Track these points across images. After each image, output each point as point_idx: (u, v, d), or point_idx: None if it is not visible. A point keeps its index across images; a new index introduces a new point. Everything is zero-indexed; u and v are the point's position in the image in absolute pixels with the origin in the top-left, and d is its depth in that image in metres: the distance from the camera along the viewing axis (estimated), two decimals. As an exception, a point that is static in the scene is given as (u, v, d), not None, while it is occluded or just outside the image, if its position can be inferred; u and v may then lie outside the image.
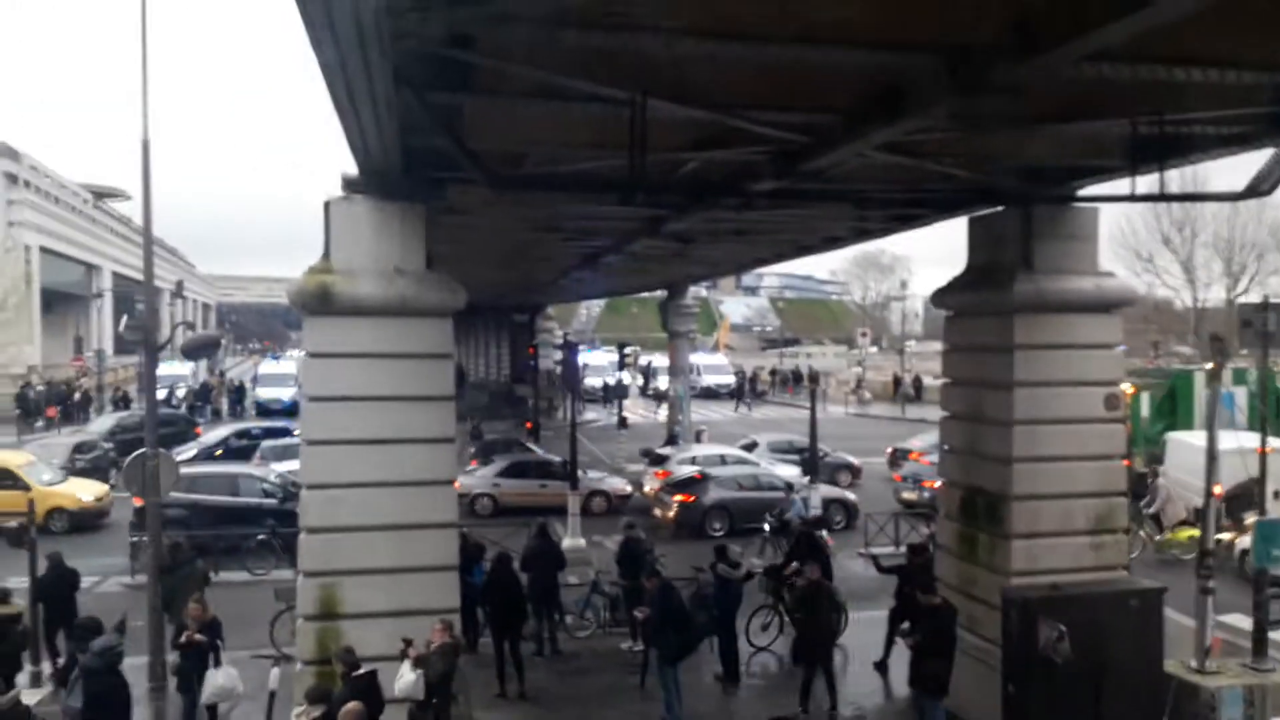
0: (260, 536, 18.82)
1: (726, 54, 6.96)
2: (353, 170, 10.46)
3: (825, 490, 22.70)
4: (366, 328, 10.32)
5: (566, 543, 19.52)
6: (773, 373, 66.18)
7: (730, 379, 61.48)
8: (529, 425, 34.64)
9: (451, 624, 10.04)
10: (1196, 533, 16.02)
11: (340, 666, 9.28)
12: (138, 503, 15.62)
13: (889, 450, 31.20)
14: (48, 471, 23.67)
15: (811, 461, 22.09)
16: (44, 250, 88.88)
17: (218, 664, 10.90)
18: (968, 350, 12.82)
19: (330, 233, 10.41)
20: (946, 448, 13.38)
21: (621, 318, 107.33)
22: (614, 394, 35.58)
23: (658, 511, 23.43)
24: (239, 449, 28.52)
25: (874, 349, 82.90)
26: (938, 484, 15.75)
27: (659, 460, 26.54)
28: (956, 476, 12.79)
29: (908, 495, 24.41)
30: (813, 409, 23.09)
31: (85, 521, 22.42)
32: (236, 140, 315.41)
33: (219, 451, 28.51)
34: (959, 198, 12.26)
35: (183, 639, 11.11)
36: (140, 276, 14.65)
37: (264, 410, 44.70)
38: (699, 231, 15.96)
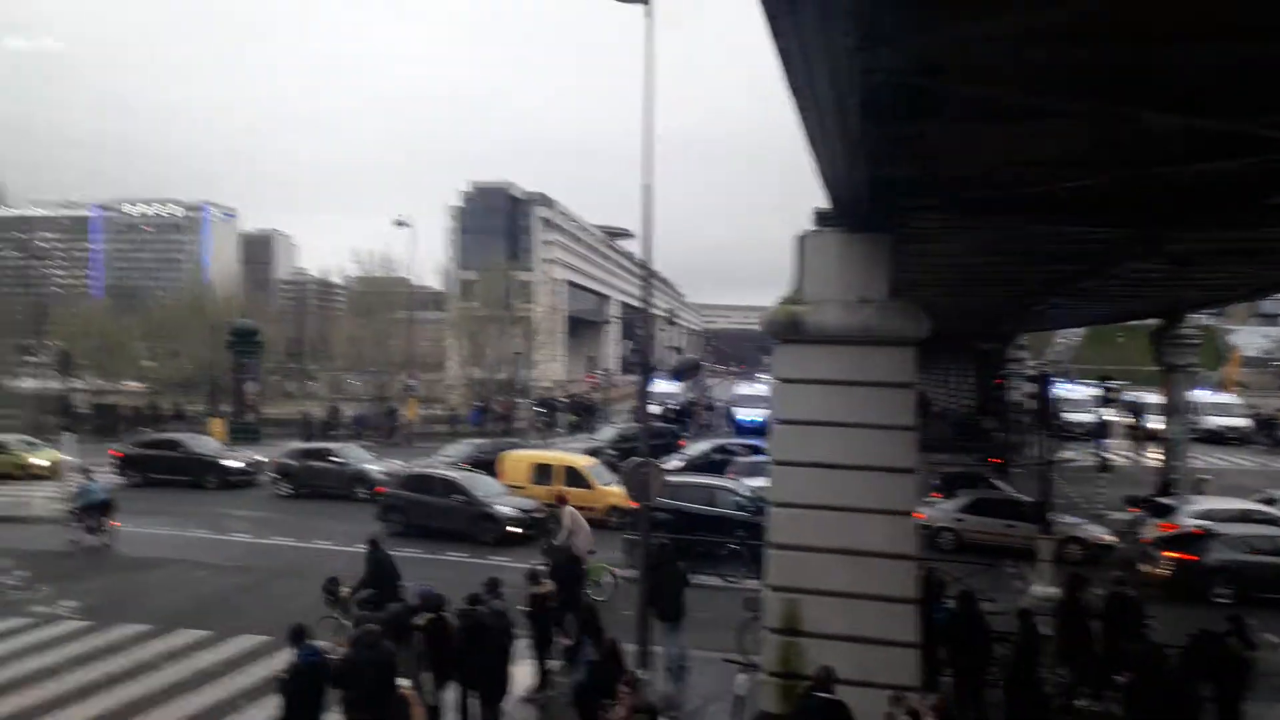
0: (733, 545, 20.10)
1: (1233, 54, 6.23)
2: (824, 205, 10.96)
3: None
4: (831, 355, 10.73)
5: (1037, 590, 18.35)
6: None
7: (1242, 421, 52.80)
8: (995, 461, 32.89)
9: (948, 705, 9.29)
10: None
11: (809, 682, 9.35)
12: (632, 505, 17.50)
13: None
14: (607, 473, 26.80)
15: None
16: (569, 283, 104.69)
17: None
18: None
19: (801, 265, 11.02)
20: None
21: (1105, 348, 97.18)
22: (1095, 433, 32.48)
23: (1145, 567, 20.92)
24: (717, 463, 30.78)
25: None
26: None
27: (1163, 511, 23.71)
28: None
29: None
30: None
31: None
32: (725, 179, 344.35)
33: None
34: None
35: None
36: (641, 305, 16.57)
37: (740, 428, 47.62)
38: (1199, 252, 14.13)
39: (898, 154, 8.60)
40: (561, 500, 19.37)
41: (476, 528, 22.84)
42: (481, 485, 24.38)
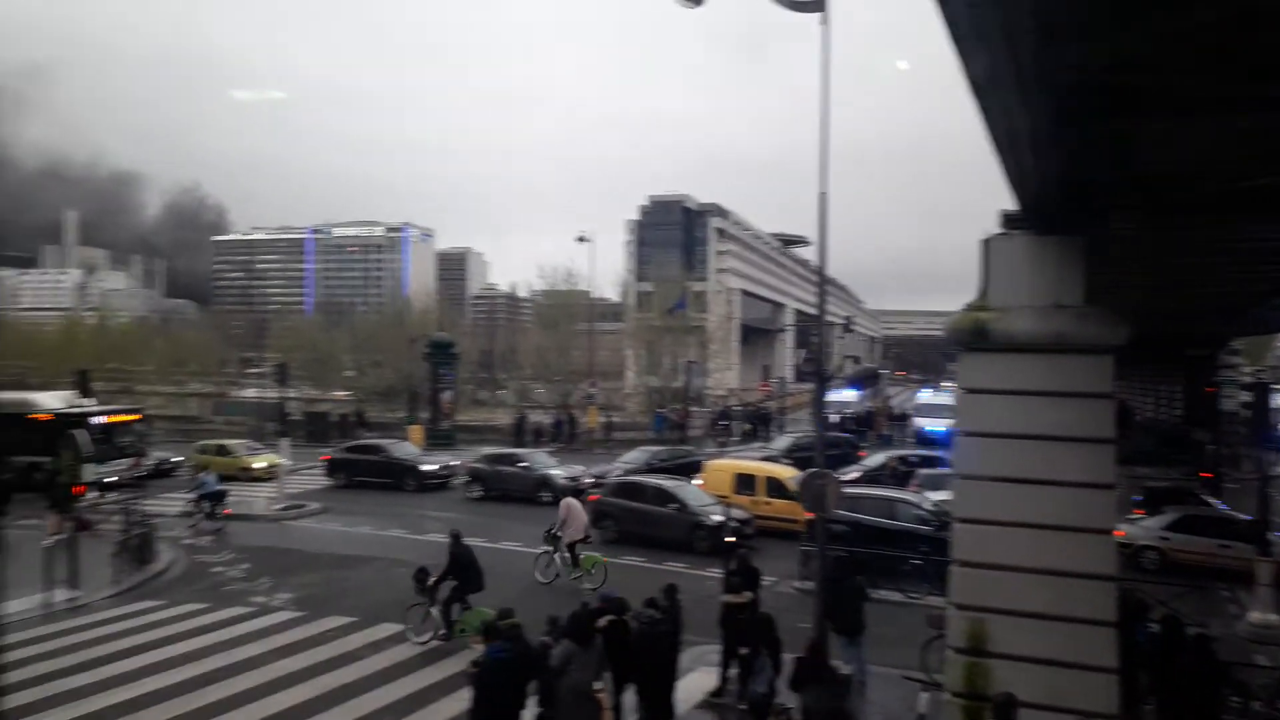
0: (914, 560, 19.51)
1: None
2: (1011, 208, 10.55)
3: None
4: (1021, 364, 10.28)
5: (1255, 616, 16.96)
6: None
7: None
8: (1206, 475, 30.36)
9: None
10: None
11: (990, 707, 9.03)
12: (808, 516, 17.31)
13: None
14: None
15: None
16: (743, 292, 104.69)
17: None
18: None
19: (987, 270, 10.62)
20: None
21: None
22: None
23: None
24: (896, 474, 29.90)
25: None
26: None
27: None
28: None
29: None
30: None
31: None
32: (908, 184, 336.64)
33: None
34: None
35: None
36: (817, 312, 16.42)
37: (922, 439, 46.13)
38: None
39: (1091, 153, 8.18)
40: (564, 491, 19.78)
41: (691, 536, 23.01)
42: (693, 494, 24.62)
